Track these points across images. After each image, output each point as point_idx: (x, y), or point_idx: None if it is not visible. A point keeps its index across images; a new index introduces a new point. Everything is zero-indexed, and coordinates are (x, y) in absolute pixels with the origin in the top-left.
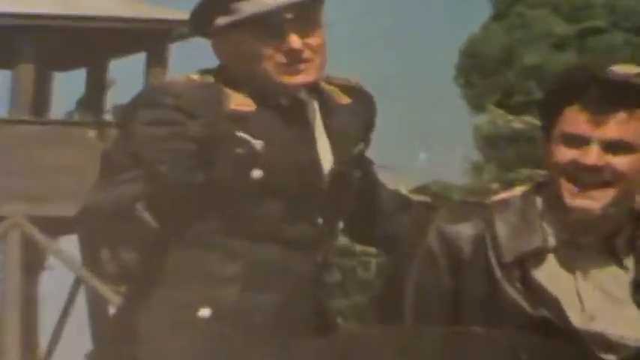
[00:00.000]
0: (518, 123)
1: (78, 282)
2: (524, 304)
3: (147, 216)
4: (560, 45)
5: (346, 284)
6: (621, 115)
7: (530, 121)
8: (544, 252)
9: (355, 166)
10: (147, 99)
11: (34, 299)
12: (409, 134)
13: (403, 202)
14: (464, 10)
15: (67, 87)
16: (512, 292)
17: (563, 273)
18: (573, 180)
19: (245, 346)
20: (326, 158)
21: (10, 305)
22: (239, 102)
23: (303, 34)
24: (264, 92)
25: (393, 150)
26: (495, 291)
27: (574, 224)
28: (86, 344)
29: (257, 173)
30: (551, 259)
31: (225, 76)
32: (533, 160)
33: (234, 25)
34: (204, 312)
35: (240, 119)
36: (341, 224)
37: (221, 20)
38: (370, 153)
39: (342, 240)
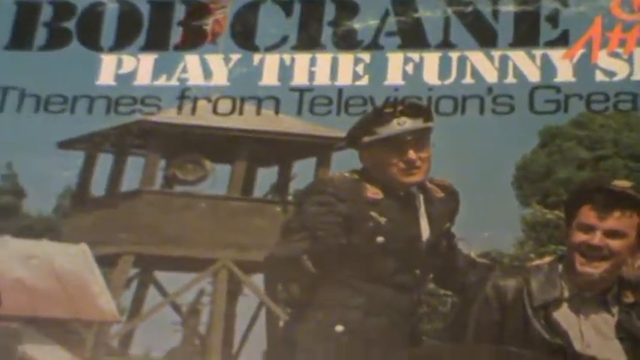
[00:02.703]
0: (550, 215)
1: (261, 304)
2: (545, 334)
3: (309, 264)
4: (581, 165)
5: (431, 315)
6: (617, 213)
7: (558, 214)
8: (561, 301)
9: (443, 238)
10: (315, 187)
11: (233, 316)
12: (479, 219)
13: (472, 263)
14: (521, 140)
15: (265, 178)
16: (538, 326)
17: (571, 315)
18: (583, 254)
19: (365, 352)
20: (425, 232)
21: (216, 321)
22: (373, 192)
23: (417, 149)
24: (389, 186)
25: (467, 228)
26: (527, 324)
27: (581, 283)
28: (263, 346)
29: (380, 239)
30: (564, 306)
31: (365, 174)
32: (558, 240)
33: (374, 142)
34: (339, 328)
35: (373, 203)
36: (431, 275)
37: (366, 139)
38: (454, 229)
39: (431, 285)
